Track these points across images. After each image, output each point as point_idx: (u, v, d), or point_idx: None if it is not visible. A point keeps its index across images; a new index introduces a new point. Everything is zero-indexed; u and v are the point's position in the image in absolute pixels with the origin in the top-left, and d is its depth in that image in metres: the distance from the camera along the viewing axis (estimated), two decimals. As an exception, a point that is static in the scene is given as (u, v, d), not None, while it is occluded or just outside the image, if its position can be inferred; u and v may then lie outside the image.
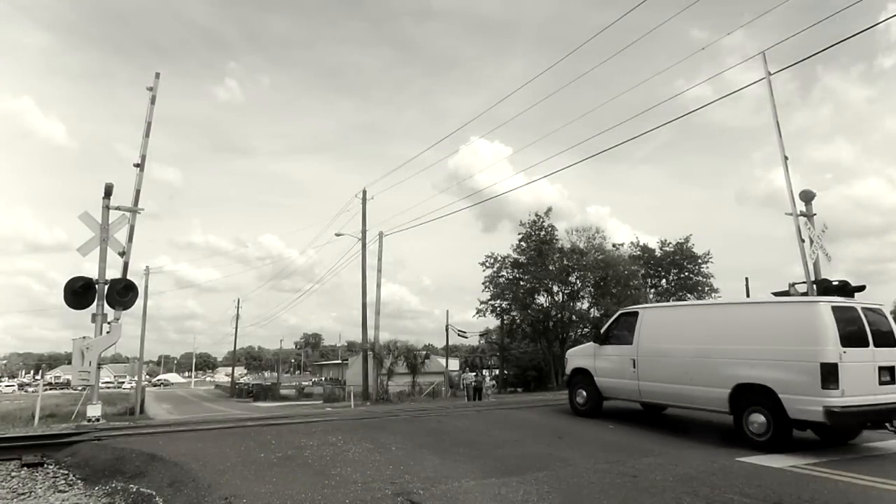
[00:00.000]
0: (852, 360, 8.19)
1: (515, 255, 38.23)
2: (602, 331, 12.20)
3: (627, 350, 11.03)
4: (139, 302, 31.47)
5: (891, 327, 8.96)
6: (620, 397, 11.49)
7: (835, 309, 8.44)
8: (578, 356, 12.58)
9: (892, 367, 8.63)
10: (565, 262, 37.67)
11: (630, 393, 11.05)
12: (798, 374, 8.29)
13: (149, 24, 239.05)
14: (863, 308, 8.86)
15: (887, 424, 8.98)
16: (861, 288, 14.26)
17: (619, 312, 12.36)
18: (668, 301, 37.21)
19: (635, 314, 11.43)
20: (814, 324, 8.36)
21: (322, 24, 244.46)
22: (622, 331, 11.48)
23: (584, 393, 11.99)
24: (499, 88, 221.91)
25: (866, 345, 8.45)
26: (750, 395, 8.80)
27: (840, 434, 9.34)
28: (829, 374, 7.99)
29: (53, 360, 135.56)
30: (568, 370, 12.85)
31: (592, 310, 38.30)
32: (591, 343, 12.28)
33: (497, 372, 44.08)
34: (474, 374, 32.84)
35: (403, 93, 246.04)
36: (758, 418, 8.64)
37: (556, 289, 38.05)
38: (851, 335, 8.36)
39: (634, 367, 10.76)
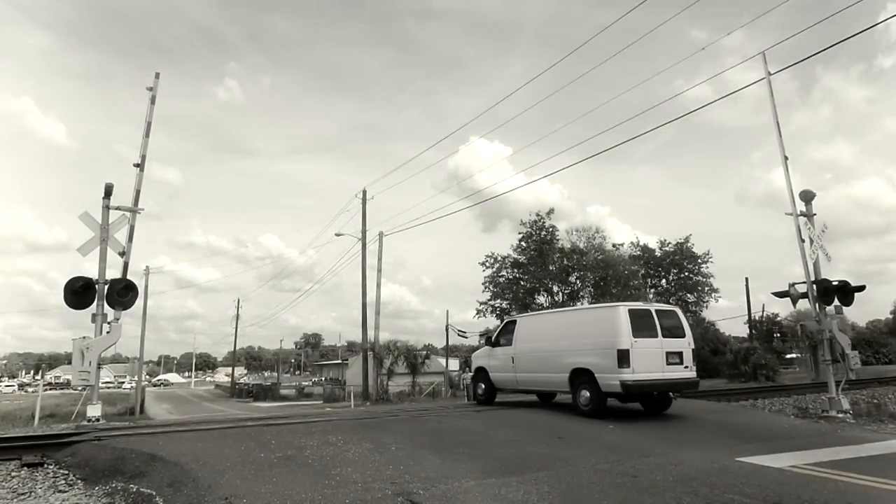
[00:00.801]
0: (642, 347, 10.93)
1: (515, 255, 38.24)
2: (493, 337, 14.91)
3: (509, 350, 13.74)
4: (139, 302, 31.49)
5: (680, 323, 11.82)
6: (506, 387, 14.17)
7: (630, 311, 11.29)
8: (479, 357, 15.43)
9: (680, 352, 11.49)
10: (565, 262, 37.65)
11: (511, 383, 13.80)
12: (605, 358, 11.04)
13: (149, 24, 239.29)
14: (656, 310, 11.74)
15: (671, 393, 12.19)
16: (861, 288, 14.27)
17: (505, 321, 15.13)
18: (668, 301, 37.30)
19: (515, 321, 14.30)
20: (614, 322, 11.18)
21: (323, 24, 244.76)
22: (507, 335, 14.10)
23: (483, 386, 14.73)
24: (499, 89, 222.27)
25: (656, 336, 11.21)
26: (580, 377, 11.58)
27: (654, 404, 12.14)
28: (623, 358, 10.77)
29: (53, 360, 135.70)
30: (472, 369, 15.66)
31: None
32: (487, 346, 14.92)
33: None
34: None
35: (404, 93, 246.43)
36: (585, 393, 11.53)
37: (556, 289, 38.05)
38: (644, 329, 11.11)
39: (513, 362, 13.55)
